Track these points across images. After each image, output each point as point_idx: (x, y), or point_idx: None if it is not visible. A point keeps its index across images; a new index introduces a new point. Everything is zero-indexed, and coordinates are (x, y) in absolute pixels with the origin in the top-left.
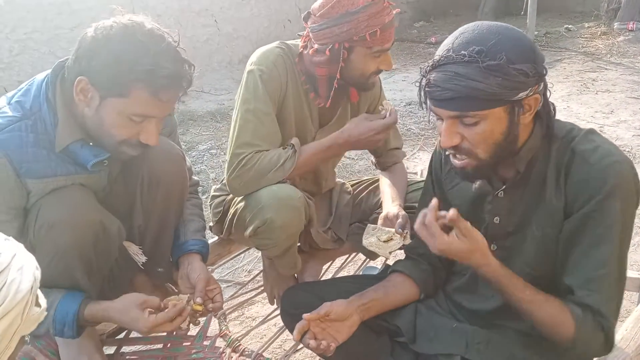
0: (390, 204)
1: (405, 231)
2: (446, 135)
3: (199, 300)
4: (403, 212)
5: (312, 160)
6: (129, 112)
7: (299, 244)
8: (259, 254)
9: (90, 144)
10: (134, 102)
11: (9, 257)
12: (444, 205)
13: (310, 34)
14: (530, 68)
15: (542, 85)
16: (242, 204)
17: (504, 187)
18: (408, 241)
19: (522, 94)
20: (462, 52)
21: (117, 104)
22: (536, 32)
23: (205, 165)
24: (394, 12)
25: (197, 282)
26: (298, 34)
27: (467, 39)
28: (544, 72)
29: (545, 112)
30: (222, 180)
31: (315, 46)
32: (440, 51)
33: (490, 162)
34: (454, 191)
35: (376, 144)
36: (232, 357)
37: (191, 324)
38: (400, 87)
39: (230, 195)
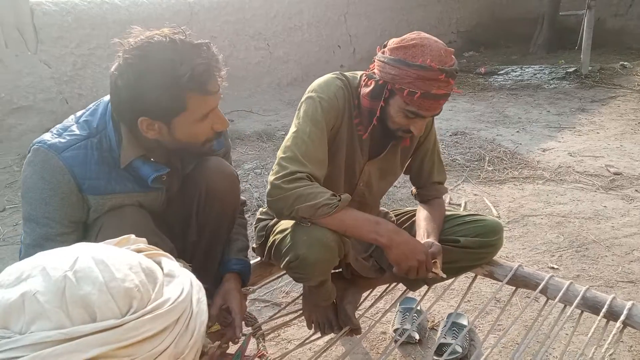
0: (425, 238)
1: (434, 260)
2: None
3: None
4: (437, 244)
5: (348, 223)
6: (194, 119)
7: (340, 270)
8: None
9: (152, 159)
10: (194, 109)
11: (189, 288)
12: None
13: (375, 61)
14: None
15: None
16: (279, 236)
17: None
18: (440, 272)
19: None
20: None
21: (182, 119)
22: (590, 67)
23: (250, 184)
24: (449, 92)
25: (235, 317)
26: (354, 74)
27: None
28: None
29: None
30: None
31: (370, 73)
32: None
33: None
34: None
35: (407, 264)
36: None
37: (230, 342)
38: (447, 117)
39: (273, 221)
